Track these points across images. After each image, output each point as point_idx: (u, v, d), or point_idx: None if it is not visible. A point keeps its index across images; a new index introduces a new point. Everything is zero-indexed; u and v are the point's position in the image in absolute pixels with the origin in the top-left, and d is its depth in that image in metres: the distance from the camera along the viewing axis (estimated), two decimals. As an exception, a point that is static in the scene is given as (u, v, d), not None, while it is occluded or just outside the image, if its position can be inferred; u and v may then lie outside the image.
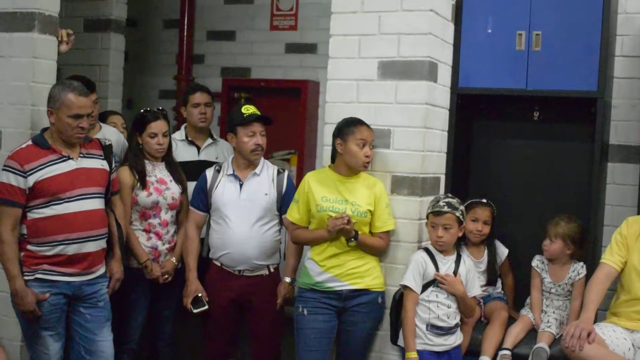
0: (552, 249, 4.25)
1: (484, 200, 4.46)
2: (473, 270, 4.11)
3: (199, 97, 5.06)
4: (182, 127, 5.18)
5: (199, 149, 5.06)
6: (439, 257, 4.02)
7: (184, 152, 4.96)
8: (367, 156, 4.06)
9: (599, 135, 4.35)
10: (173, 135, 4.91)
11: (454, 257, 4.05)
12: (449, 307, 3.98)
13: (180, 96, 7.13)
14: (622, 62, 4.67)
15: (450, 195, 4.12)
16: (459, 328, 4.05)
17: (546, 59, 4.39)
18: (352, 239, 4.01)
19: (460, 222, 3.99)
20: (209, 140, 5.11)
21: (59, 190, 3.81)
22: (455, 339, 4.03)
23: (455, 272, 3.99)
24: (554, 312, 4.22)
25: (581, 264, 4.22)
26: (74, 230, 3.83)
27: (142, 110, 4.54)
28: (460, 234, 4.04)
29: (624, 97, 4.67)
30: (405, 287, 4.01)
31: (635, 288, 3.94)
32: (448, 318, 3.98)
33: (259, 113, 4.34)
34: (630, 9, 4.64)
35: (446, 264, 4.01)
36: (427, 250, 4.05)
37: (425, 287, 3.99)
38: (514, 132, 4.82)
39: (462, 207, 4.03)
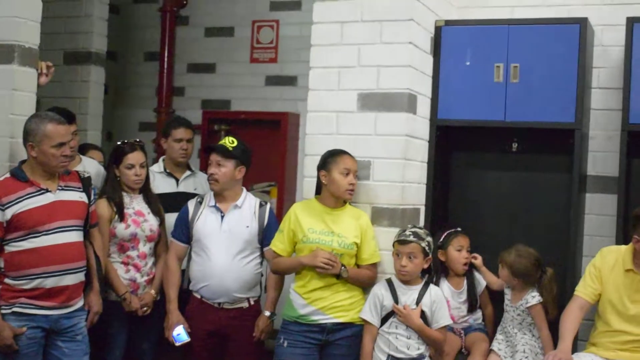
0: (501, 274, 4.29)
1: (460, 229, 4.49)
2: (440, 300, 4.05)
3: (182, 133, 5.03)
4: (160, 160, 5.16)
5: (177, 180, 5.04)
6: (400, 287, 4.02)
7: (162, 184, 4.94)
8: (351, 184, 4.08)
9: (577, 166, 4.39)
10: (151, 168, 4.90)
11: (419, 287, 4.04)
12: (408, 338, 3.97)
13: (160, 128, 7.15)
14: (599, 94, 4.71)
15: (419, 226, 4.14)
16: (424, 359, 4.02)
17: (524, 91, 4.44)
18: (341, 275, 4.03)
19: (426, 254, 3.99)
20: (188, 172, 5.10)
21: (36, 223, 3.78)
22: None
23: (417, 303, 3.99)
24: (523, 340, 4.20)
25: (534, 294, 4.19)
26: (52, 264, 3.80)
27: (119, 142, 4.53)
28: (425, 266, 4.03)
29: (601, 128, 4.71)
30: (363, 320, 4.04)
31: (612, 319, 3.96)
32: (408, 349, 3.96)
33: (226, 145, 4.34)
34: (606, 41, 4.70)
35: (407, 293, 4.01)
36: (389, 281, 4.07)
37: (386, 318, 4.01)
38: (493, 163, 4.85)
39: (429, 239, 4.02)
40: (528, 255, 4.20)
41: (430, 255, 4.03)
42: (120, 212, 4.36)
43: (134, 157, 4.43)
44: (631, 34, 4.29)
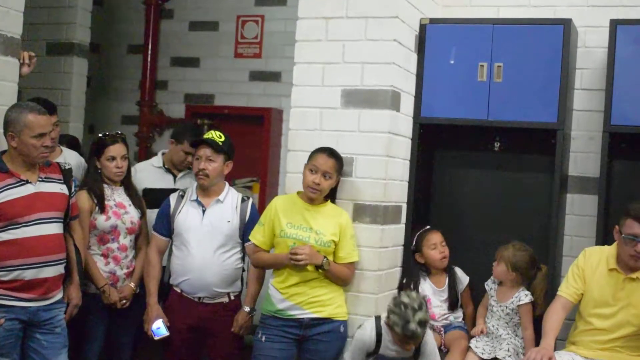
0: (496, 270, 4.33)
1: (428, 227, 4.53)
2: (432, 348, 4.03)
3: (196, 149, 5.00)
4: (160, 154, 5.12)
5: (175, 177, 5.02)
6: (387, 341, 3.96)
7: (160, 179, 4.91)
8: (314, 182, 4.04)
9: (559, 166, 4.41)
10: (150, 161, 4.94)
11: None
12: None
13: (144, 122, 7.13)
14: (581, 95, 4.74)
15: (419, 308, 3.85)
16: None
17: (507, 91, 4.45)
18: (322, 267, 4.01)
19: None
20: (187, 170, 5.05)
21: (16, 214, 3.75)
22: None
23: (417, 352, 3.97)
24: (509, 340, 4.23)
25: (526, 292, 4.26)
26: (31, 255, 3.77)
27: (100, 134, 4.51)
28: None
29: (583, 129, 4.73)
30: None
31: (594, 319, 3.98)
32: None
33: (215, 138, 4.32)
34: (590, 43, 4.72)
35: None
36: (378, 331, 3.98)
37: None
38: (475, 162, 4.87)
39: (426, 315, 3.89)
40: (526, 250, 4.29)
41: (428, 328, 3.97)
42: (100, 204, 4.34)
43: (116, 150, 4.41)
44: (614, 35, 4.31)
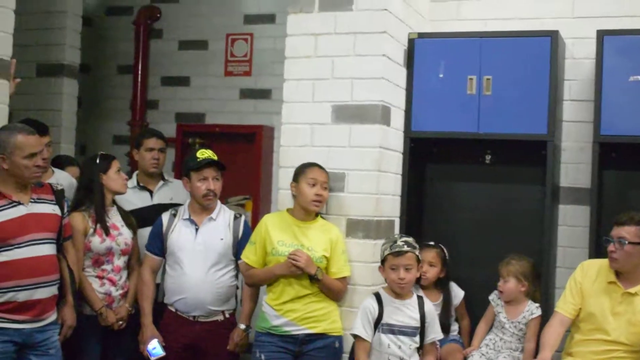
0: (507, 288, 4.29)
1: (431, 243, 4.50)
2: (434, 315, 4.04)
3: (153, 142, 5.01)
4: (134, 174, 5.12)
5: (151, 193, 5.00)
6: (388, 301, 3.96)
7: (135, 199, 4.89)
8: (317, 194, 4.06)
9: (550, 177, 4.42)
10: None
11: (411, 300, 3.99)
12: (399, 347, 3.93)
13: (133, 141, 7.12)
14: (570, 106, 4.76)
15: (404, 234, 4.08)
16: None
17: (497, 103, 4.47)
18: (316, 278, 4.00)
19: (418, 261, 3.96)
20: (161, 182, 5.05)
21: (8, 236, 3.74)
22: None
23: (422, 316, 3.94)
24: (508, 353, 4.24)
25: (536, 305, 4.27)
26: (24, 277, 3.75)
27: (98, 153, 4.53)
28: (417, 275, 4.02)
29: (573, 139, 4.75)
30: (355, 336, 3.98)
31: (592, 331, 3.96)
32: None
33: (213, 158, 4.33)
34: (578, 54, 4.75)
35: (402, 307, 3.97)
36: (377, 295, 4.00)
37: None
38: (467, 175, 4.88)
39: (417, 246, 3.99)
40: (525, 258, 4.31)
41: (421, 263, 4.02)
42: (104, 227, 4.34)
43: (117, 164, 4.50)
44: (601, 46, 4.34)
